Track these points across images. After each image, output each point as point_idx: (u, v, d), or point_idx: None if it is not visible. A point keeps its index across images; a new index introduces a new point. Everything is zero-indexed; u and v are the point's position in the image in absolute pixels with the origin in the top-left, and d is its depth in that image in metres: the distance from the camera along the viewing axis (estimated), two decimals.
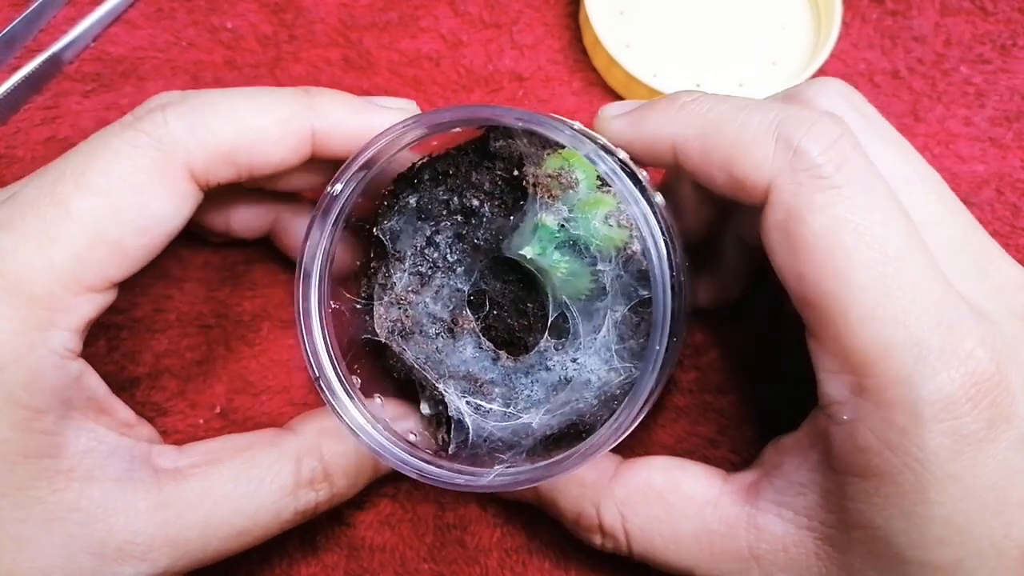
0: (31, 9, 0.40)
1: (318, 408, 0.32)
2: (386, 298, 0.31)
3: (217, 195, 0.31)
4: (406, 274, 0.30)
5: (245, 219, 0.35)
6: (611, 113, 0.30)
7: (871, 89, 0.43)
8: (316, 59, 0.42)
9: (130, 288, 0.38)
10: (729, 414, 0.37)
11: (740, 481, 0.30)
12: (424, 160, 0.31)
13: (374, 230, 0.31)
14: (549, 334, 0.30)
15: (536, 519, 0.35)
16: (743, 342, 0.38)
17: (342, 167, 0.29)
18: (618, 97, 0.43)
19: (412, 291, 0.30)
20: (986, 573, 0.25)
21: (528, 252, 0.28)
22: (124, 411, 0.30)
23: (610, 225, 0.27)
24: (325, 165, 0.32)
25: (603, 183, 0.28)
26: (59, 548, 0.26)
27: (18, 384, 0.25)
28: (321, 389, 0.29)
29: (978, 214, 0.41)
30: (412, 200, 0.31)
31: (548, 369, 0.29)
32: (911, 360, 0.24)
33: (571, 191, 0.28)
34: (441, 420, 0.31)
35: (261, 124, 0.28)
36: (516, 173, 0.29)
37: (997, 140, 0.42)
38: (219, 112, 0.28)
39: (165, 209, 0.28)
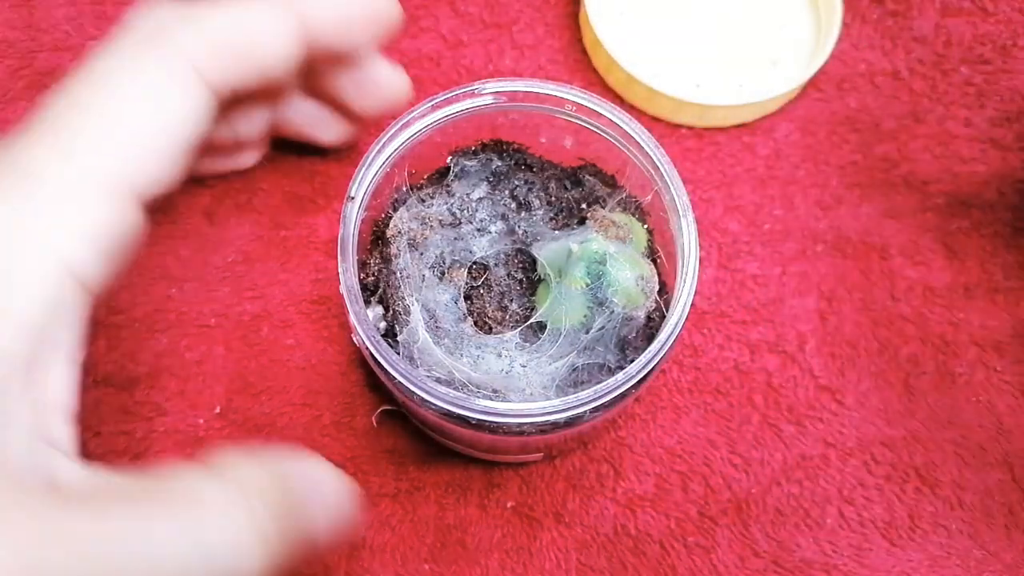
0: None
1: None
2: (416, 208, 0.32)
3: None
4: (445, 206, 0.32)
5: (251, 120, 0.35)
6: None
7: (871, 90, 0.43)
8: None
9: (130, 287, 0.38)
10: (729, 414, 0.37)
11: None
12: (521, 147, 0.34)
13: (449, 157, 0.33)
14: (520, 332, 0.31)
15: (537, 520, 0.35)
16: (742, 341, 0.38)
17: (420, 107, 0.31)
18: (618, 97, 0.43)
19: (440, 219, 0.32)
20: None
21: (574, 245, 0.30)
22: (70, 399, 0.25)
23: (637, 286, 0.30)
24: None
25: (650, 254, 0.32)
26: None
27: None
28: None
29: (979, 215, 0.41)
30: (495, 162, 0.33)
31: (499, 356, 0.30)
32: None
33: (622, 241, 0.31)
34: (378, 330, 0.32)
35: (252, 13, 0.29)
36: (584, 206, 0.32)
37: (998, 141, 0.42)
38: (209, 8, 0.28)
39: (179, 107, 0.27)
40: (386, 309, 0.31)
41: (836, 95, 0.43)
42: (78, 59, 0.41)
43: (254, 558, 0.22)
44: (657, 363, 0.28)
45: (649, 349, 0.28)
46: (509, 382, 0.30)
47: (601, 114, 0.31)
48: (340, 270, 0.29)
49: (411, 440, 0.37)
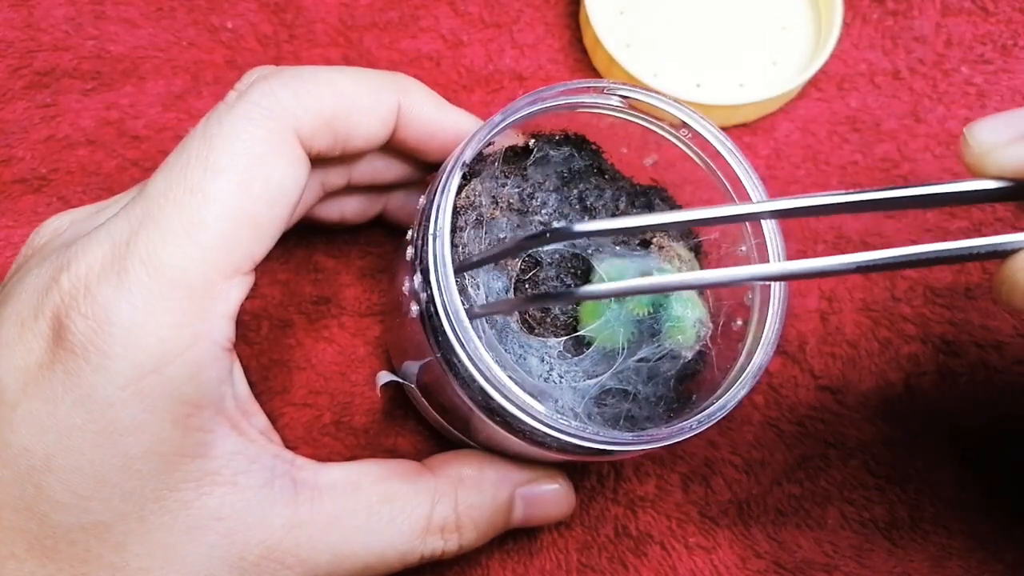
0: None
1: (452, 451, 0.32)
2: (490, 183, 0.31)
3: (334, 192, 0.33)
4: (516, 189, 0.31)
5: (357, 207, 0.35)
6: None
7: (872, 89, 0.43)
8: (317, 59, 0.42)
9: None
10: (730, 414, 0.37)
11: None
12: (598, 149, 0.32)
13: (531, 140, 0.32)
14: (564, 344, 0.30)
15: None
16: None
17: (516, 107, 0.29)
18: None
19: (509, 202, 0.31)
20: None
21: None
22: (261, 416, 0.29)
23: (694, 327, 0.29)
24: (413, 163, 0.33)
25: (701, 292, 0.31)
26: (202, 559, 0.25)
27: (183, 380, 0.24)
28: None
29: (979, 215, 0.41)
30: (576, 160, 0.32)
31: (541, 360, 0.29)
32: None
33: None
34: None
35: (356, 92, 0.29)
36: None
37: None
38: (319, 80, 0.28)
39: (287, 177, 0.27)
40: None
41: (836, 95, 0.43)
42: (78, 59, 0.41)
43: (416, 553, 0.29)
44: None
45: (728, 396, 0.28)
46: (545, 388, 0.29)
47: (719, 156, 0.30)
48: (432, 233, 0.26)
49: (411, 439, 0.36)
